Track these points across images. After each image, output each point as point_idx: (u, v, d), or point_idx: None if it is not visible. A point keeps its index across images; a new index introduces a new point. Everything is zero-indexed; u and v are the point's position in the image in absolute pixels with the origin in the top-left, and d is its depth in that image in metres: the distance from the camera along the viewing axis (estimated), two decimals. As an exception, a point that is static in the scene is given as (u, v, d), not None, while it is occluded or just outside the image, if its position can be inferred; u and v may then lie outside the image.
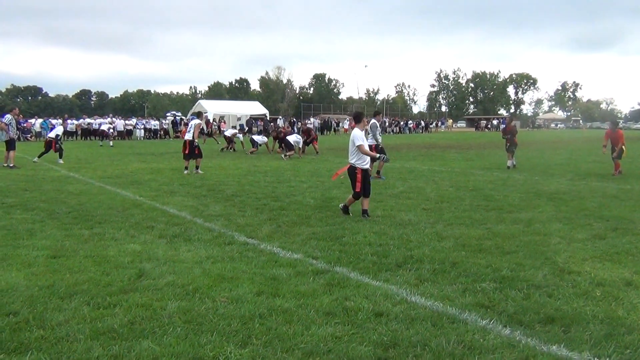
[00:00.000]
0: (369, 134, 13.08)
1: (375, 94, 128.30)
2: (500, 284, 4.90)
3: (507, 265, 5.47)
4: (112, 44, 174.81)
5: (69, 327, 3.87)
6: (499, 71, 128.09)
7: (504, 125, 19.10)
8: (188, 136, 14.05)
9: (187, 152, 13.93)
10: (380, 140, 13.22)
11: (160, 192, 10.76)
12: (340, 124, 56.20)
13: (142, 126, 40.24)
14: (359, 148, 7.83)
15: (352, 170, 7.97)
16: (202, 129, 21.43)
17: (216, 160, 19.09)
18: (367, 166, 8.00)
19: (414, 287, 4.80)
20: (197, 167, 13.65)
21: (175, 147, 22.91)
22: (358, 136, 7.88)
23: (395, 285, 4.84)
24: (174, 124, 43.13)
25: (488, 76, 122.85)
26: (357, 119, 8.19)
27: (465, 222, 7.68)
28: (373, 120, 13.28)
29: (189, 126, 14.36)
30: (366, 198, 7.97)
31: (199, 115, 16.22)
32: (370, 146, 13.11)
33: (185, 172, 13.99)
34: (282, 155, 19.67)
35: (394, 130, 55.89)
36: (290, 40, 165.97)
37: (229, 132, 25.68)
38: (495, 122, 70.17)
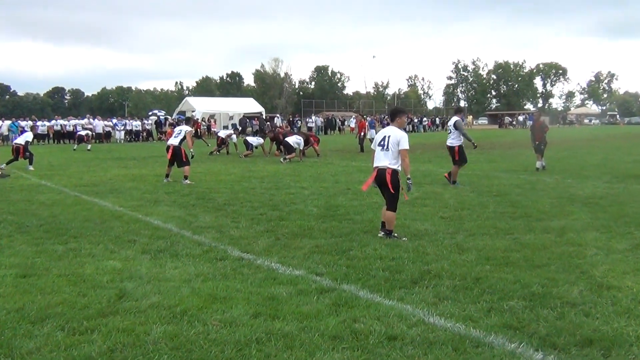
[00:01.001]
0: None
1: (385, 87, 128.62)
2: (530, 302, 4.87)
3: (537, 281, 5.44)
4: (88, 35, 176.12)
5: (40, 356, 3.86)
6: (524, 61, 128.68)
7: (532, 122, 19.08)
8: (173, 141, 13.86)
9: (170, 157, 13.74)
10: (462, 141, 12.76)
11: (143, 201, 10.78)
12: (346, 122, 56.22)
13: (122, 127, 40.41)
14: (403, 154, 7.27)
15: (394, 175, 7.26)
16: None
17: (206, 164, 19.13)
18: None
19: (432, 307, 4.78)
20: (185, 177, 13.52)
21: (160, 150, 22.96)
22: (405, 138, 7.32)
23: (411, 305, 4.82)
24: (158, 124, 43.25)
25: (512, 66, 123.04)
26: (397, 115, 7.62)
27: (489, 232, 7.67)
28: (457, 118, 12.89)
29: (177, 131, 14.18)
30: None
31: (188, 121, 16.14)
32: (452, 147, 12.57)
33: (165, 180, 13.85)
34: (281, 159, 19.71)
35: (407, 129, 55.86)
36: (289, 29, 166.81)
37: (222, 133, 25.70)
38: (521, 118, 70.10)
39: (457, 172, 12.93)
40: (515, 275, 5.61)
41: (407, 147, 7.32)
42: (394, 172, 7.31)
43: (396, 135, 7.37)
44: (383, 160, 7.38)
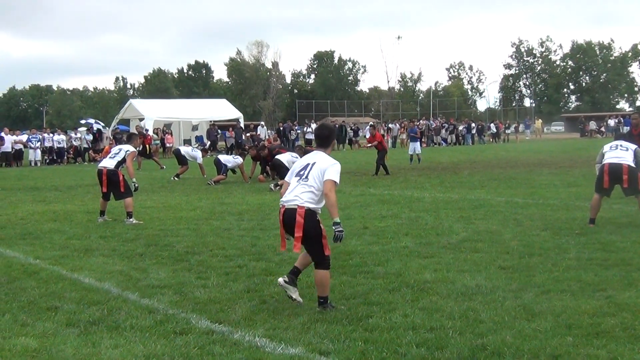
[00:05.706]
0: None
1: (416, 81, 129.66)
2: (634, 391, 4.83)
3: (643, 359, 5.41)
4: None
5: None
6: (612, 41, 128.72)
7: (629, 127, 19.14)
8: (107, 163, 13.87)
9: (105, 188, 13.75)
10: None
11: (69, 250, 10.78)
12: (360, 132, 56.54)
13: (39, 144, 40.53)
14: (328, 186, 7.04)
15: (310, 217, 7.18)
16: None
17: (159, 195, 19.16)
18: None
19: (489, 399, 4.74)
20: (128, 215, 13.51)
21: (93, 176, 23.10)
22: (337, 167, 7.18)
23: (459, 397, 4.78)
24: (94, 137, 43.43)
25: (597, 49, 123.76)
26: (329, 137, 7.62)
27: (570, 288, 7.63)
28: None
29: (115, 150, 14.18)
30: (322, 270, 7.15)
31: (130, 137, 15.81)
32: None
33: (100, 219, 13.86)
34: (270, 186, 19.74)
35: (449, 140, 55.82)
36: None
37: (184, 150, 25.74)
38: (612, 122, 70.34)
39: None
40: (610, 351, 5.57)
41: (336, 178, 7.13)
42: (310, 213, 7.08)
43: (324, 162, 7.27)
44: (295, 195, 7.17)
